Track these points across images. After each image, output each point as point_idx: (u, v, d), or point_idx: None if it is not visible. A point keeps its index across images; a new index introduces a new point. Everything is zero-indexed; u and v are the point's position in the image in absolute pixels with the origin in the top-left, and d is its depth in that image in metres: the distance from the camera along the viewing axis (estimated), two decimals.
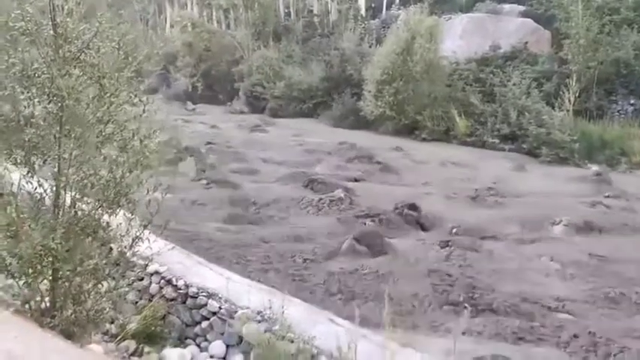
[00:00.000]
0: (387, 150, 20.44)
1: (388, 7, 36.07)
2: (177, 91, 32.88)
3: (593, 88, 23.95)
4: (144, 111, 6.55)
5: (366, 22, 33.56)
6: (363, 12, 35.66)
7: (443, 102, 24.12)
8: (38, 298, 6.22)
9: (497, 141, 21.58)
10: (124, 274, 6.89)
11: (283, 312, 6.55)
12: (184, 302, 7.76)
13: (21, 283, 6.04)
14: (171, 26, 40.02)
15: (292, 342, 6.31)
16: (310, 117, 27.35)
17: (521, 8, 30.74)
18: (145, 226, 6.68)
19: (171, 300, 7.85)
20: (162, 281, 8.07)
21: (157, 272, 8.13)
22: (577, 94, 22.96)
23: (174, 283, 7.92)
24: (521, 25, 28.47)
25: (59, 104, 6.00)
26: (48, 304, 6.30)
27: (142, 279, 8.25)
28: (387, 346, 5.45)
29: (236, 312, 7.06)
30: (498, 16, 29.71)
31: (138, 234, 6.67)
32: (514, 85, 23.28)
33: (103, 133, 6.40)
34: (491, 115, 22.96)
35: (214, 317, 7.30)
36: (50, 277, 6.23)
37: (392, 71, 24.19)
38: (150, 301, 8.04)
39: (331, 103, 27.23)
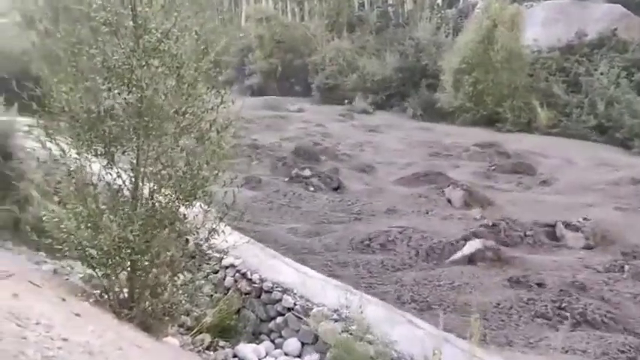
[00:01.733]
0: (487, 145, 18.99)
1: None
2: (251, 83, 33.17)
3: None
4: (222, 102, 6.44)
5: (442, 12, 32.68)
6: (439, 1, 34.75)
7: (524, 92, 23.10)
8: (117, 289, 6.24)
9: (588, 132, 20.42)
10: (199, 267, 6.84)
11: (361, 311, 6.29)
12: (259, 297, 7.65)
13: (100, 273, 6.06)
14: (246, 20, 40.39)
15: (371, 344, 6.05)
16: (383, 109, 26.82)
17: None
18: (221, 219, 6.59)
19: (246, 294, 7.75)
20: (237, 274, 7.98)
21: (232, 265, 8.06)
22: None
23: (249, 276, 7.82)
24: (608, 11, 26.85)
25: (138, 95, 5.97)
26: (126, 296, 6.31)
27: (216, 272, 8.22)
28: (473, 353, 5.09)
29: (311, 309, 6.86)
30: (583, 1, 28.13)
31: (214, 226, 6.59)
32: (602, 74, 22.00)
33: (181, 125, 6.35)
34: (576, 106, 21.78)
35: (289, 313, 7.14)
36: (128, 269, 6.23)
37: (471, 60, 23.39)
38: (225, 294, 7.98)
39: (406, 94, 26.64)
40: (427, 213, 10.79)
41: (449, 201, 11.60)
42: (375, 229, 9.52)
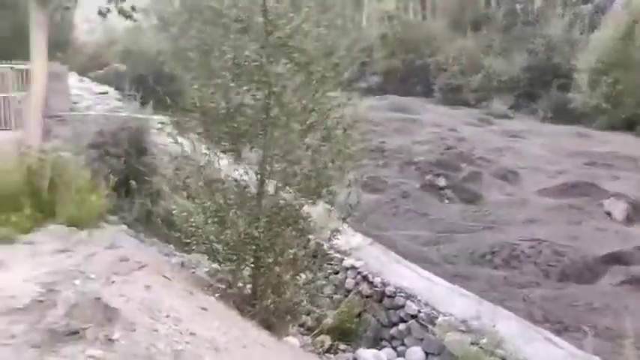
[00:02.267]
0: None
1: None
2: (372, 83, 32.96)
3: None
4: (349, 99, 6.28)
5: (576, 8, 30.72)
6: None
7: None
8: (241, 284, 6.25)
9: None
10: (321, 267, 6.73)
11: (494, 325, 5.86)
12: (380, 301, 7.40)
13: (226, 268, 6.11)
14: (368, 19, 40.29)
15: (503, 359, 5.62)
16: (510, 109, 25.52)
17: None
18: (344, 219, 6.44)
19: (367, 297, 7.54)
20: (359, 277, 7.79)
21: (352, 267, 7.88)
22: None
23: (371, 279, 7.60)
24: None
25: (267, 91, 5.93)
26: (249, 292, 6.32)
27: (337, 273, 8.08)
28: None
29: (437, 318, 6.51)
30: None
31: (337, 226, 6.45)
32: None
33: (307, 122, 6.25)
34: None
35: (412, 320, 6.83)
36: (252, 265, 6.22)
37: (610, 59, 21.72)
38: (345, 296, 7.82)
39: (536, 94, 25.26)
40: (579, 223, 9.96)
41: (608, 214, 10.59)
42: (503, 239, 8.92)
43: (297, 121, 6.12)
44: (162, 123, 12.55)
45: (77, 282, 4.77)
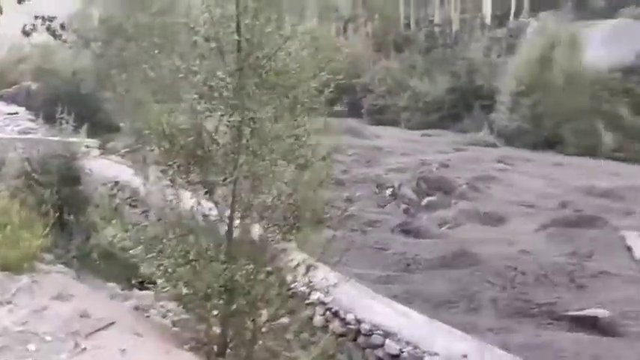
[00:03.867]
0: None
1: (516, 15, 34.10)
2: None
3: None
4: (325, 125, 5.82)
5: (492, 32, 31.88)
6: (488, 20, 33.95)
7: (586, 115, 22.11)
8: (212, 334, 5.59)
9: None
10: (297, 308, 6.18)
11: None
12: (355, 340, 6.92)
13: (194, 317, 5.44)
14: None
15: None
16: (437, 128, 25.93)
17: None
18: (320, 259, 5.96)
19: (340, 336, 7.03)
20: (328, 313, 7.28)
21: (321, 302, 7.35)
22: None
23: (342, 316, 7.11)
24: None
25: (241, 117, 5.37)
26: (221, 341, 5.67)
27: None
28: None
29: (422, 358, 6.10)
30: None
31: (312, 263, 5.94)
32: None
33: (280, 148, 5.71)
34: None
35: None
36: (223, 312, 5.58)
37: (529, 82, 22.52)
38: (313, 335, 7.27)
39: (459, 115, 25.81)
40: None
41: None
42: None
43: (272, 148, 5.60)
44: (90, 147, 11.61)
45: (31, 347, 3.97)
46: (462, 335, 6.38)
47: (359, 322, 6.92)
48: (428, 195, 13.20)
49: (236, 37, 5.26)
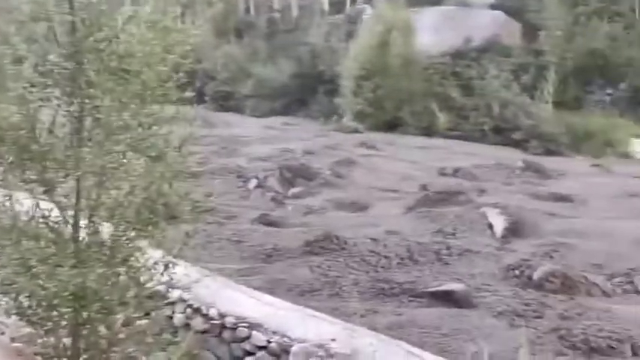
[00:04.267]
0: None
1: (352, 2, 35.22)
2: None
3: (570, 79, 23.70)
4: (178, 113, 5.45)
5: (331, 17, 32.67)
6: (326, 7, 34.72)
7: (422, 97, 23.49)
8: (62, 345, 5.04)
9: (485, 134, 20.99)
10: (153, 310, 5.79)
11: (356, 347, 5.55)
12: (219, 335, 6.66)
13: (42, 331, 4.86)
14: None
15: None
16: (286, 115, 26.06)
17: (491, 0, 30.39)
18: (177, 255, 5.61)
19: (203, 332, 6.73)
20: (189, 310, 6.94)
21: (181, 300, 6.99)
22: (555, 86, 22.64)
23: (205, 312, 6.81)
24: (492, 18, 28.06)
25: (81, 105, 4.85)
26: (73, 353, 5.13)
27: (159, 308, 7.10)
28: None
29: (291, 346, 6.01)
30: (468, 8, 29.26)
31: (170, 260, 5.58)
32: (493, 78, 22.83)
33: (128, 139, 5.26)
34: (472, 109, 22.47)
35: (262, 352, 6.23)
36: (73, 321, 5.06)
37: (370, 66, 23.38)
38: (174, 334, 6.90)
39: (306, 100, 26.18)
40: None
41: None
42: None
43: (120, 139, 5.14)
44: None
45: None
46: (329, 320, 6.38)
47: (222, 316, 6.67)
48: (292, 184, 13.11)
49: (70, 16, 4.72)
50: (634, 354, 5.67)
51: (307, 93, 26.63)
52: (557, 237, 9.66)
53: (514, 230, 10.12)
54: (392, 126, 23.15)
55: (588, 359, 5.63)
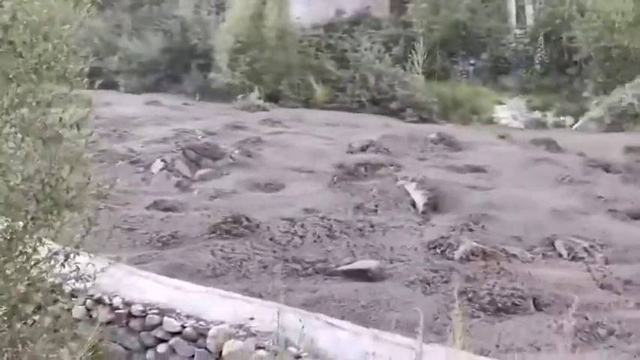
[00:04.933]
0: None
1: None
2: None
3: (437, 50, 24.80)
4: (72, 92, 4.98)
5: None
6: None
7: (299, 70, 23.54)
8: None
9: (363, 105, 21.45)
10: (52, 303, 5.34)
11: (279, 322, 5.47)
12: (126, 324, 6.31)
13: None
14: None
15: (299, 357, 5.31)
16: (157, 92, 24.94)
17: None
18: (78, 245, 5.20)
19: (108, 324, 6.33)
20: (89, 301, 6.49)
21: (82, 291, 6.49)
22: (424, 57, 23.58)
23: (108, 302, 6.41)
24: None
25: None
26: None
27: (55, 301, 6.59)
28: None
29: (209, 329, 5.82)
30: None
31: (71, 250, 5.16)
32: (366, 50, 23.34)
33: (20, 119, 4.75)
34: (348, 80, 22.87)
35: (176, 338, 5.97)
36: None
37: (245, 39, 22.99)
38: (74, 328, 6.43)
39: (178, 76, 25.23)
40: None
41: None
42: None
43: (9, 119, 4.61)
44: None
45: None
46: (245, 299, 6.23)
47: (128, 304, 6.30)
48: (199, 165, 12.46)
49: None
50: (537, 309, 6.04)
51: (180, 68, 25.70)
52: (476, 210, 9.80)
53: (434, 205, 10.24)
54: (271, 99, 23.00)
55: (497, 319, 5.93)
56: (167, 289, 6.47)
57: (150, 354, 6.15)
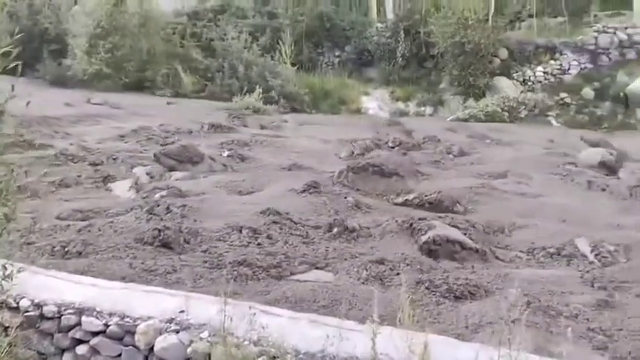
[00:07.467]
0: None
1: None
2: None
3: (303, 41, 25.12)
4: None
5: None
6: None
7: (164, 58, 22.73)
8: None
9: (233, 94, 21.10)
10: None
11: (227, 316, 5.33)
12: (36, 327, 5.83)
13: None
14: None
15: (238, 347, 5.24)
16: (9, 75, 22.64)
17: None
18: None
19: (16, 329, 5.80)
20: None
21: None
22: (292, 48, 23.79)
23: (14, 305, 5.87)
24: None
25: None
26: None
27: None
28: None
29: (136, 326, 5.54)
30: None
31: None
32: (233, 39, 23.06)
33: None
34: (217, 70, 22.48)
35: (99, 338, 5.62)
36: None
37: (106, 24, 21.74)
38: None
39: (30, 62, 23.18)
40: None
41: None
42: None
43: None
44: None
45: None
46: (169, 293, 5.96)
47: (39, 306, 5.82)
48: (173, 170, 11.18)
49: None
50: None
51: (31, 53, 23.64)
52: None
53: None
54: (136, 88, 22.00)
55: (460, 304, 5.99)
56: (82, 288, 6.04)
57: (67, 357, 5.74)
